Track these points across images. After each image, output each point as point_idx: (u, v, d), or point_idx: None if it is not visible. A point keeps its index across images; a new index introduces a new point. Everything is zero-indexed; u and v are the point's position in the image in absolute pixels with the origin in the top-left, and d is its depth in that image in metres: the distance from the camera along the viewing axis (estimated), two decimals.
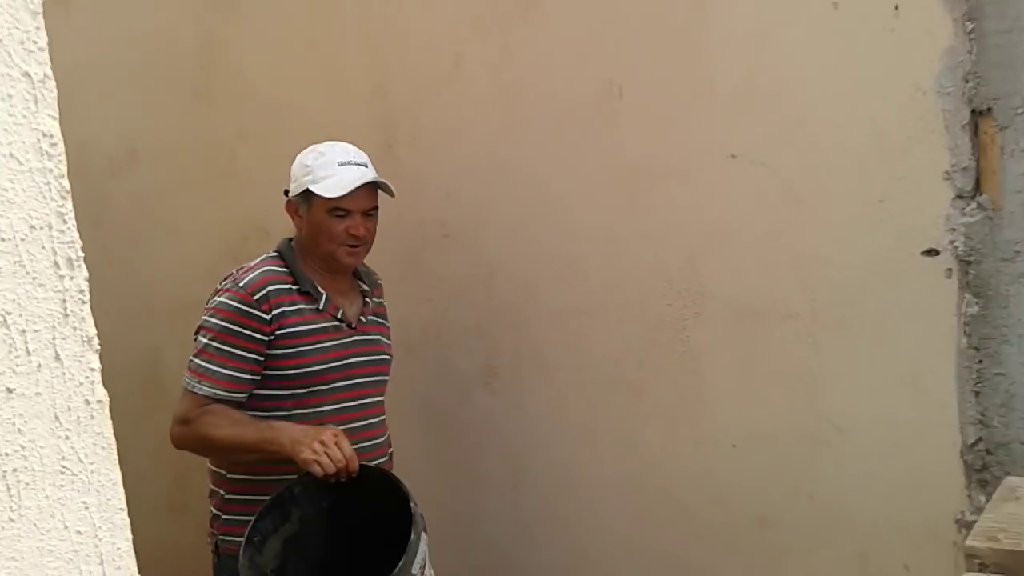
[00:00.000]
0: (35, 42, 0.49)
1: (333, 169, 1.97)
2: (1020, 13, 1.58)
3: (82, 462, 0.44)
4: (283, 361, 1.95)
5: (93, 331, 0.46)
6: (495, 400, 2.35)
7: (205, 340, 1.92)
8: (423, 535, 1.63)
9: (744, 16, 1.91)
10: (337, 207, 1.97)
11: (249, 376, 1.92)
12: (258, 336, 1.91)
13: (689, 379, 2.11)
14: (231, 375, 1.90)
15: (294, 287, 1.99)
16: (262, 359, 1.92)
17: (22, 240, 0.46)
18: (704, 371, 2.08)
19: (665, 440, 2.16)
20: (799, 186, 1.89)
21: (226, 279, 2.01)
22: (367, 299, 2.14)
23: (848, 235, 1.85)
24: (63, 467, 0.42)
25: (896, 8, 1.70)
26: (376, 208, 2.05)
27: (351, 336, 2.05)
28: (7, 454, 0.42)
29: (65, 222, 0.47)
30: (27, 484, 0.42)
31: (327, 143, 2.04)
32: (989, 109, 1.66)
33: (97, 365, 0.46)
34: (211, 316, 1.93)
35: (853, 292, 1.87)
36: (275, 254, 2.03)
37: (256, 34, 2.63)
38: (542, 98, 2.20)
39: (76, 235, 0.48)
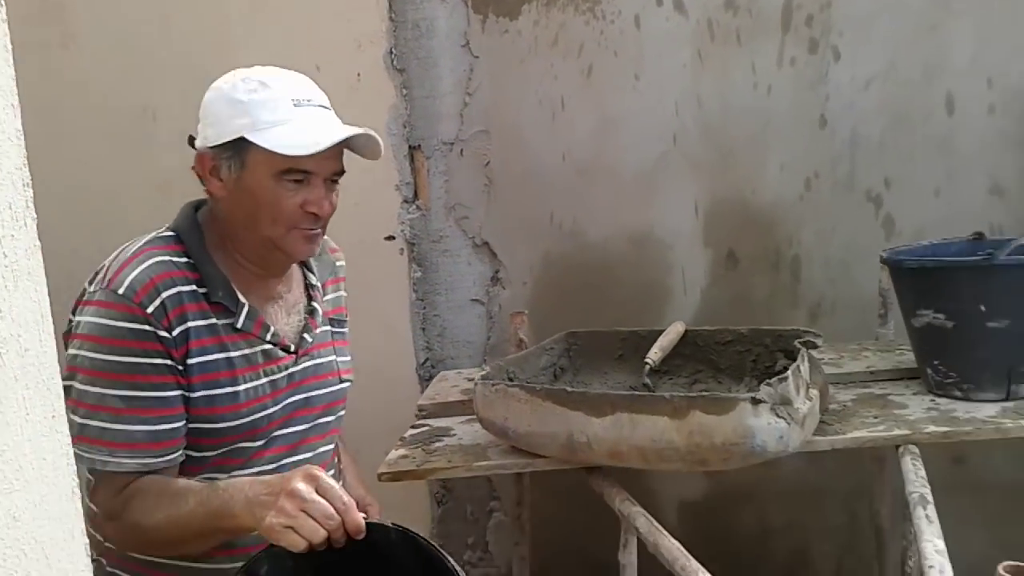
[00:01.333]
0: None
1: (286, 111, 1.28)
2: (432, 86, 2.44)
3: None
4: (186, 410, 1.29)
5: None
6: None
7: (96, 389, 1.21)
8: None
9: (255, 60, 2.44)
10: (293, 169, 1.28)
11: (180, 424, 1.26)
12: (170, 363, 1.25)
13: None
14: (154, 431, 1.23)
15: (200, 290, 1.29)
16: (184, 393, 1.27)
17: None
18: None
19: None
20: None
21: (95, 277, 1.29)
22: (314, 302, 1.46)
23: (340, 228, 2.32)
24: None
25: (359, 76, 2.42)
26: (343, 173, 1.38)
27: (288, 367, 1.38)
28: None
29: None
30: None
31: (266, 69, 1.33)
32: (419, 145, 2.47)
33: None
34: (89, 350, 1.22)
35: (347, 268, 2.53)
36: (170, 234, 1.34)
37: None
38: (83, 118, 2.45)
39: None
